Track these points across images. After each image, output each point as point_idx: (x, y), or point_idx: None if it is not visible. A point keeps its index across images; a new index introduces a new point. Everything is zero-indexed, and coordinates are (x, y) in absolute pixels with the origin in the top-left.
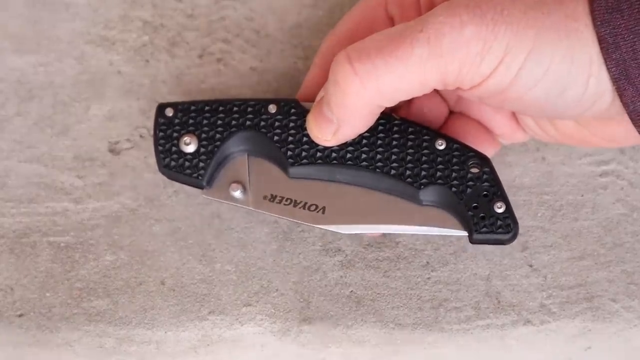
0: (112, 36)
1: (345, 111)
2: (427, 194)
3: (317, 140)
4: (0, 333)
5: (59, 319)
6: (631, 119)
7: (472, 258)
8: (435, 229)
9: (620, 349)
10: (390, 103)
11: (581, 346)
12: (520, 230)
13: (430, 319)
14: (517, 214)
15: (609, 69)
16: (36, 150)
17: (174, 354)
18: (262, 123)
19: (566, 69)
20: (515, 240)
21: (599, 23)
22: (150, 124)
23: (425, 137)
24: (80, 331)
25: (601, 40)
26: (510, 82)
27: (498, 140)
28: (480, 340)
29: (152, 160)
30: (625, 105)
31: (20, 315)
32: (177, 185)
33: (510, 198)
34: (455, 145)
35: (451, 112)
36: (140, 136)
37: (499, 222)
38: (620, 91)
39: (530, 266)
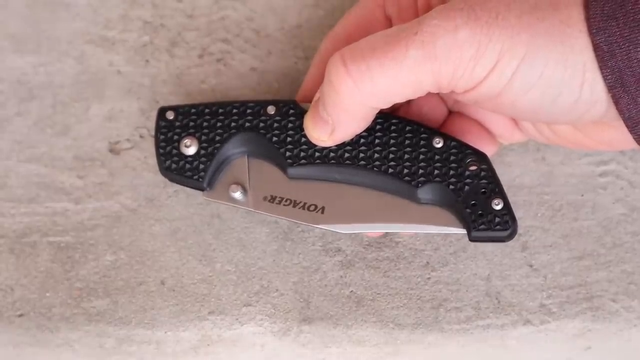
0: (112, 36)
1: (340, 112)
2: (425, 192)
3: (314, 141)
4: (0, 333)
5: (59, 319)
6: (627, 126)
7: (472, 258)
8: (434, 227)
9: (620, 349)
10: (385, 105)
11: (581, 346)
12: (520, 230)
13: (430, 319)
14: (517, 213)
15: (604, 77)
16: (36, 150)
17: (174, 354)
18: (261, 124)
19: (560, 74)
20: (515, 240)
21: (594, 30)
22: (150, 124)
23: (423, 135)
24: (80, 331)
25: (596, 48)
26: (503, 86)
27: (497, 140)
28: (480, 340)
29: (152, 160)
30: (620, 112)
31: (20, 315)
32: (177, 185)
33: (510, 198)
34: (452, 143)
35: (450, 112)
36: (140, 136)
37: (497, 219)
38: (615, 99)
39: (530, 266)
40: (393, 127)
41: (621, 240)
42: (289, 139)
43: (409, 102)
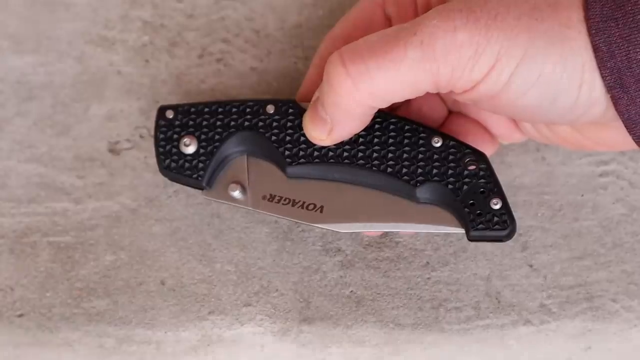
0: (112, 36)
1: (339, 111)
2: (424, 192)
3: (313, 140)
4: (0, 333)
5: (59, 319)
6: (626, 126)
7: (472, 258)
8: (433, 226)
9: (620, 349)
10: (383, 104)
11: (581, 346)
12: (520, 230)
13: (430, 319)
14: (517, 214)
15: (603, 77)
16: (36, 150)
17: (174, 354)
18: (260, 123)
19: (558, 75)
20: (515, 240)
21: (593, 31)
22: (150, 124)
23: (422, 134)
24: (80, 331)
25: (596, 49)
26: (502, 87)
27: (497, 140)
28: (480, 340)
29: (152, 160)
30: (620, 113)
31: (20, 315)
32: (177, 185)
33: (510, 198)
34: (451, 143)
35: (450, 112)
36: (140, 136)
37: (496, 219)
38: (614, 99)
39: (530, 266)
40: (392, 127)
41: (621, 240)
42: (288, 138)
43: (408, 101)
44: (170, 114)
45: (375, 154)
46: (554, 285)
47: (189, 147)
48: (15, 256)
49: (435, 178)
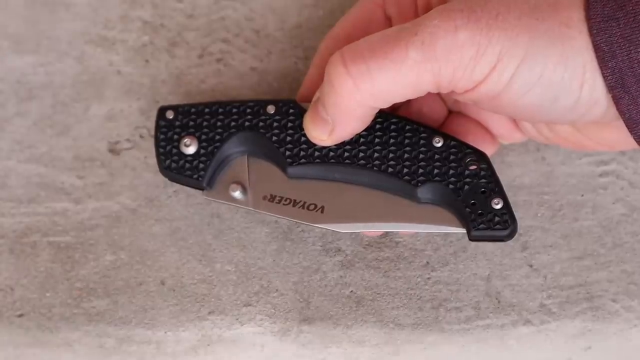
0: (112, 36)
1: (340, 112)
2: (425, 192)
3: (313, 140)
4: (0, 333)
5: (59, 319)
6: (627, 126)
7: (472, 258)
8: (434, 226)
9: (620, 349)
10: (384, 105)
11: (581, 346)
12: (520, 230)
13: (430, 319)
14: (517, 214)
15: (604, 77)
16: (36, 150)
17: (174, 354)
18: (261, 124)
19: (559, 75)
20: (515, 240)
21: (594, 31)
22: (150, 124)
23: (423, 134)
24: (80, 331)
25: (597, 49)
26: (503, 87)
27: (497, 140)
28: (480, 340)
29: (152, 160)
30: (621, 113)
31: (20, 315)
32: (177, 185)
33: (510, 198)
34: (452, 142)
35: (450, 112)
36: (140, 136)
37: (497, 219)
38: (616, 99)
39: (530, 266)
40: (393, 127)
41: (621, 240)
42: (288, 138)
43: (409, 101)
44: (170, 115)
45: (376, 154)
46: (554, 285)
47: (190, 148)
48: (15, 256)
49: (436, 178)
